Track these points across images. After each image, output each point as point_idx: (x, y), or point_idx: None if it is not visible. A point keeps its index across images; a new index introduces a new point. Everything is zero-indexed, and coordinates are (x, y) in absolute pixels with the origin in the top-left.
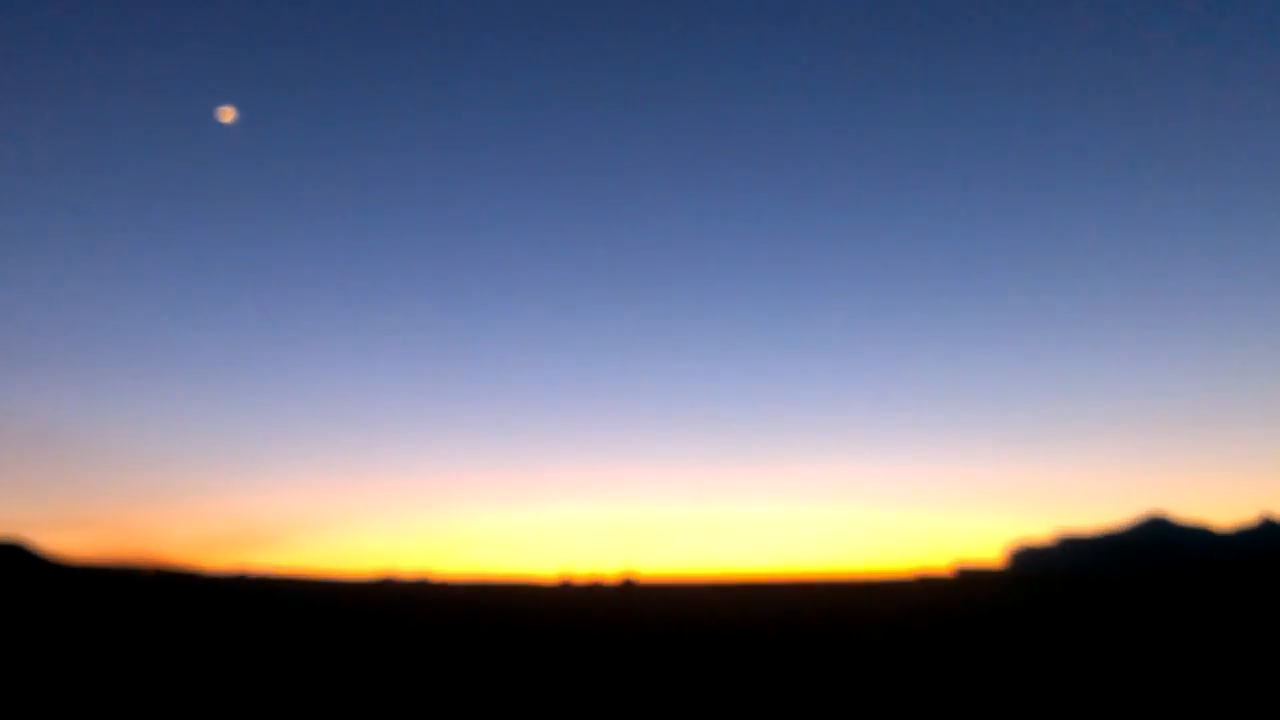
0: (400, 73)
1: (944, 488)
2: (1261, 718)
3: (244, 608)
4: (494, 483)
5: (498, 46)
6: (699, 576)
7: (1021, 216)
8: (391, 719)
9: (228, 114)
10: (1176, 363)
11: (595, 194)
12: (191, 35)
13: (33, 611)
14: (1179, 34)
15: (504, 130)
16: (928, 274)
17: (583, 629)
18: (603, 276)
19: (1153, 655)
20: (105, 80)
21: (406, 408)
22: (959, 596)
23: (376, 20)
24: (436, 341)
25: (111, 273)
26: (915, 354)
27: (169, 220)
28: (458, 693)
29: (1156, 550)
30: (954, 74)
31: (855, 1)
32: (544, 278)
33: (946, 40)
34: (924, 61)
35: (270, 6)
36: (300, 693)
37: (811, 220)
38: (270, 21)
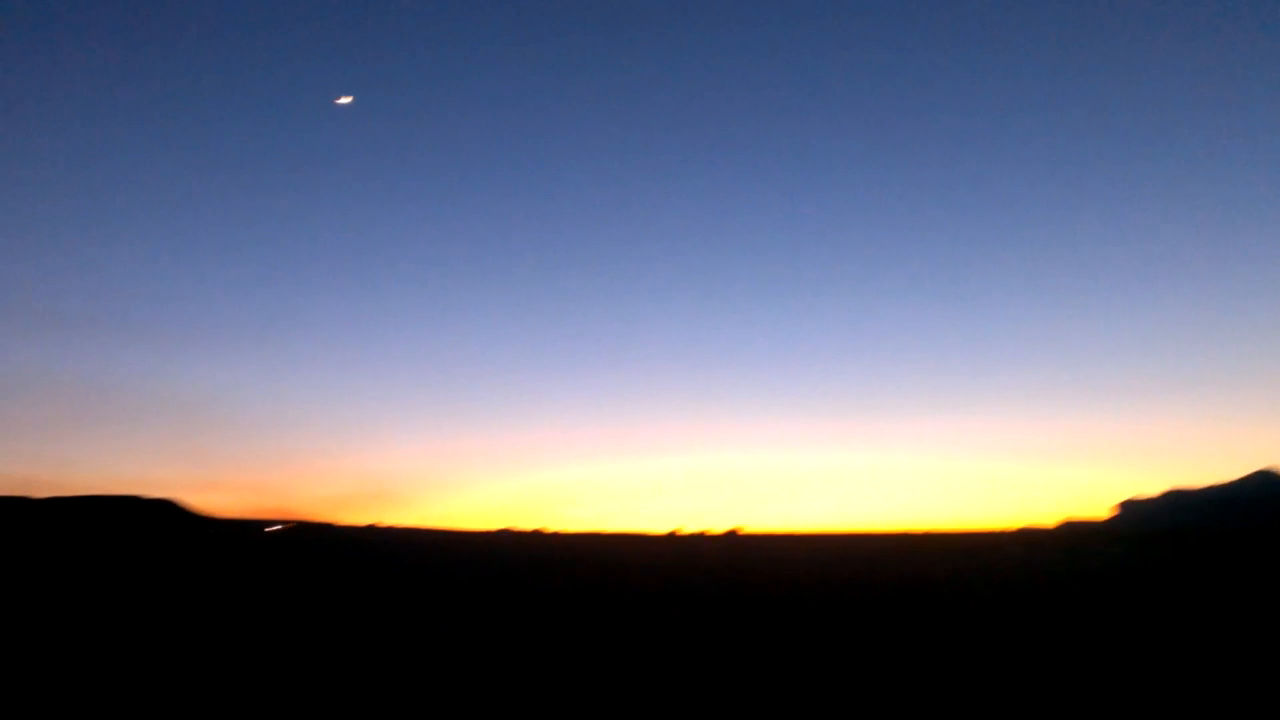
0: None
1: (1052, 441)
2: None
3: (375, 557)
4: (606, 439)
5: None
6: (804, 530)
7: (1128, 161)
8: (505, 656)
9: (345, 99)
10: None
11: (692, 146)
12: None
13: (186, 558)
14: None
15: (589, 94)
16: (1037, 227)
17: (689, 578)
18: (703, 231)
19: (1262, 611)
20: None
21: (524, 370)
22: (1065, 551)
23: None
24: (551, 306)
25: (251, 257)
26: (1025, 307)
27: (291, 200)
28: (569, 633)
29: (1266, 506)
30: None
31: None
32: (643, 237)
33: None
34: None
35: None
36: (427, 632)
37: (915, 169)
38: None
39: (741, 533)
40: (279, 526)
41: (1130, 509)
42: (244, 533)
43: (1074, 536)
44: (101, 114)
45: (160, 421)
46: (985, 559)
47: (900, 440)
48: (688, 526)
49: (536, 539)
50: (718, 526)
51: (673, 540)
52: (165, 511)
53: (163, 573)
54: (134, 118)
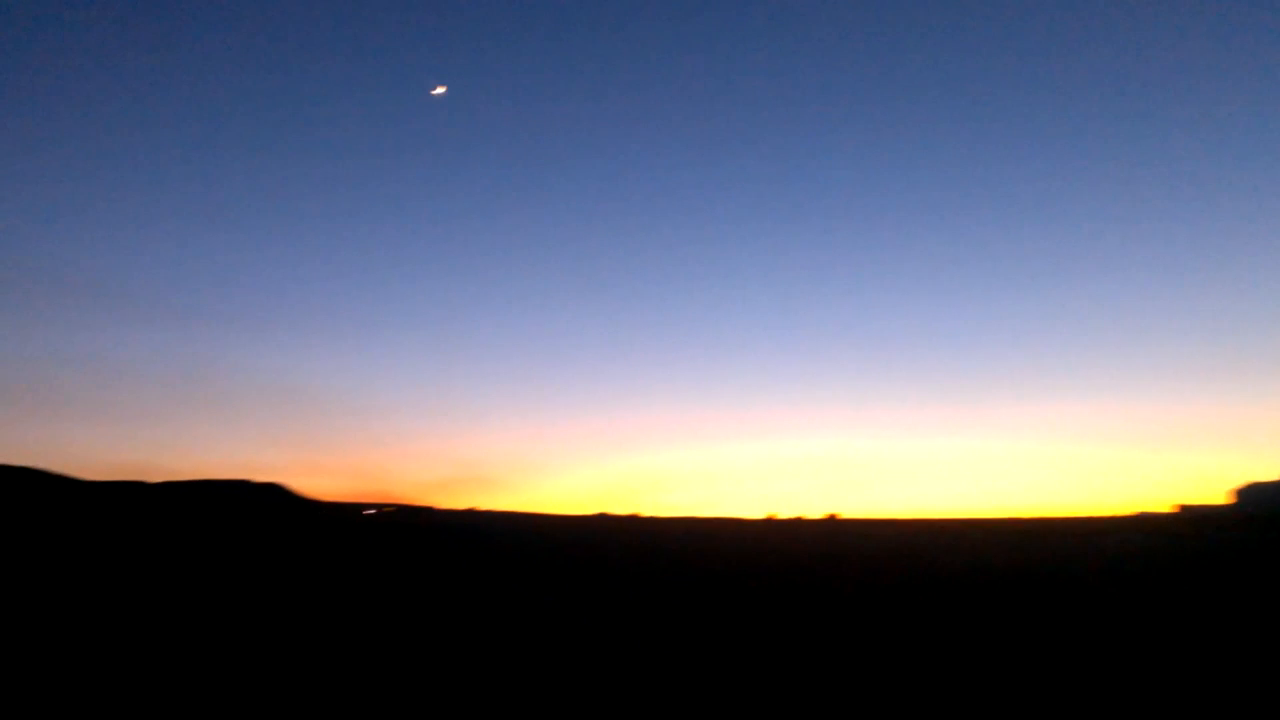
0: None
1: (1168, 425)
2: None
3: (473, 540)
4: (701, 423)
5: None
6: (905, 515)
7: (1249, 133)
8: (605, 640)
9: (439, 89)
10: None
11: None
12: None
13: (292, 540)
14: None
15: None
16: (1151, 204)
17: (786, 563)
18: (802, 215)
19: None
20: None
21: (620, 355)
22: (1183, 537)
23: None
24: (648, 291)
25: (352, 245)
26: (1140, 288)
27: (389, 191)
28: (667, 617)
29: None
30: None
31: None
32: (742, 221)
33: None
34: None
35: None
36: (523, 614)
37: (1017, 140)
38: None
39: (840, 518)
40: (376, 510)
41: (1250, 493)
42: (347, 516)
43: (1192, 521)
44: (203, 106)
45: (267, 408)
46: (1101, 545)
47: (1009, 426)
48: (784, 511)
49: (633, 523)
50: (815, 511)
51: (769, 525)
52: (273, 495)
53: (276, 553)
54: (231, 110)
